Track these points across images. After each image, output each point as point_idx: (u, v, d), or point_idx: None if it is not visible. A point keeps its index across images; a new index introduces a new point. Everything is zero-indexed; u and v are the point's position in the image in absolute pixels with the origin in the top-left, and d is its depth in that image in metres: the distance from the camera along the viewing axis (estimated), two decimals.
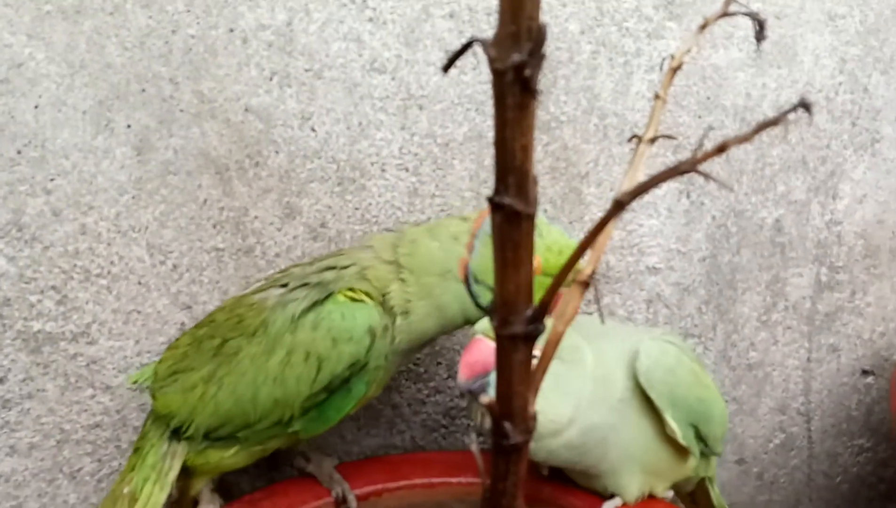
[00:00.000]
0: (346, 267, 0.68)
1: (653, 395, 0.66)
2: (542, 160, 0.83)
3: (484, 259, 0.66)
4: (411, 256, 0.67)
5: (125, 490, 0.70)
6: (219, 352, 0.68)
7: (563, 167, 0.84)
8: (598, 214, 0.86)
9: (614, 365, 0.68)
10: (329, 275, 0.68)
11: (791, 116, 0.37)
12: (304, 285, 0.67)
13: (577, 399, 0.66)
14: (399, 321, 0.67)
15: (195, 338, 0.71)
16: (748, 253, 0.93)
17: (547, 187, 0.84)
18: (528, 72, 0.36)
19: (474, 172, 0.82)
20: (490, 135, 0.79)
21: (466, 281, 0.67)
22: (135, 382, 0.75)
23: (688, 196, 0.88)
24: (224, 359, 0.68)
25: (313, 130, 0.77)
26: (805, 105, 0.35)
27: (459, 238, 0.67)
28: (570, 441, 0.66)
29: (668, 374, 0.67)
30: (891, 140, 0.93)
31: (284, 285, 0.68)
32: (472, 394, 0.65)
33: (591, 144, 0.84)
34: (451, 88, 0.79)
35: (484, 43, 0.35)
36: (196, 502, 0.72)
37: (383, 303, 0.67)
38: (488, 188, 0.81)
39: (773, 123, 0.36)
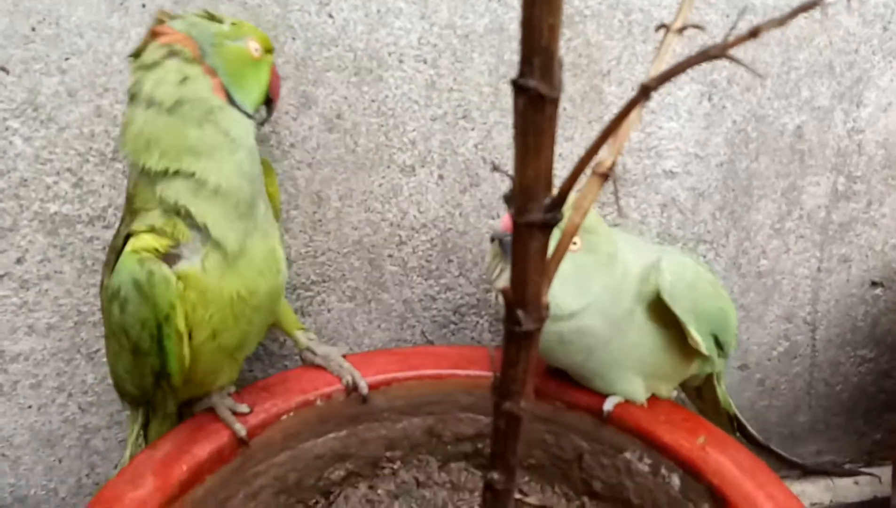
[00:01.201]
0: (126, 214, 0.62)
1: (677, 310, 0.67)
2: (563, 56, 0.81)
3: (232, 68, 0.60)
4: (136, 132, 0.58)
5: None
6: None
7: (585, 64, 0.82)
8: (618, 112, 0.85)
9: (630, 279, 0.69)
10: (122, 227, 0.62)
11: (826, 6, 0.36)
12: (113, 246, 0.62)
13: (589, 300, 0.67)
14: (192, 201, 0.58)
15: None
16: (766, 159, 0.91)
17: (567, 85, 0.82)
18: None
19: (494, 67, 0.80)
20: (512, 28, 0.78)
21: (230, 100, 0.60)
22: None
23: (709, 99, 0.86)
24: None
25: (331, 16, 0.75)
26: None
27: (190, 76, 0.58)
28: (560, 334, 0.67)
29: (690, 289, 0.68)
30: None
31: (110, 250, 0.63)
32: (501, 245, 0.67)
33: (614, 41, 0.82)
34: None
35: None
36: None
37: (174, 211, 0.59)
38: (508, 83, 0.79)
39: (811, 5, 0.35)
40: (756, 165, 0.91)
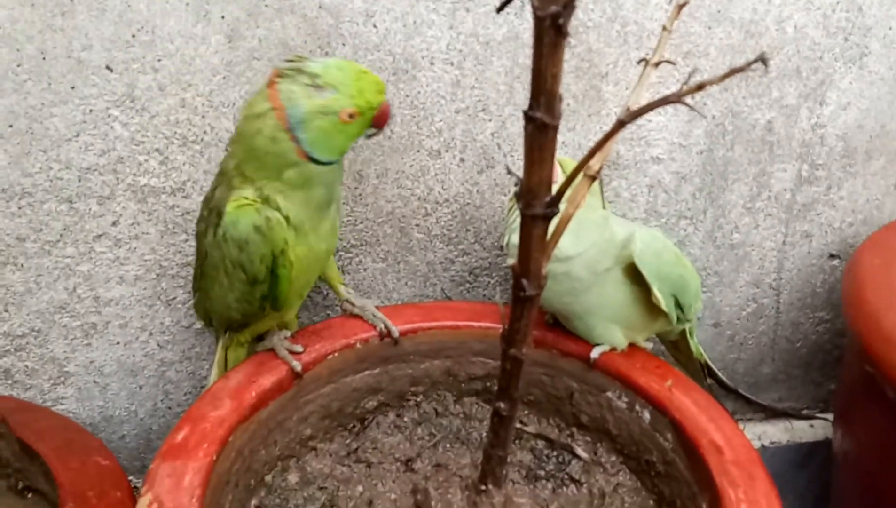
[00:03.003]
0: (224, 185, 0.70)
1: (644, 271, 0.75)
2: (568, 60, 0.86)
3: (299, 107, 0.65)
4: (243, 151, 0.67)
5: None
6: (201, 265, 0.75)
7: (587, 67, 0.88)
8: (613, 109, 0.91)
9: (614, 244, 0.77)
10: (219, 193, 0.71)
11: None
12: (213, 208, 0.71)
13: (582, 250, 0.75)
14: (280, 200, 0.68)
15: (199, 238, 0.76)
16: (740, 149, 0.98)
17: (571, 85, 0.88)
18: (562, 20, 0.45)
19: (509, 69, 0.86)
20: (525, 36, 0.85)
21: (290, 130, 0.65)
22: None
23: (692, 97, 0.91)
24: (203, 272, 0.75)
25: (375, 26, 0.81)
26: (763, 60, 0.44)
27: (278, 138, 0.65)
28: (553, 273, 0.73)
29: (656, 256, 0.76)
30: (877, 55, 0.96)
31: (208, 211, 0.72)
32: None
33: (612, 48, 0.88)
34: None
35: None
36: (263, 335, 0.80)
37: (267, 199, 0.68)
38: (521, 83, 0.88)
39: (738, 70, 0.45)
40: (731, 153, 0.98)
